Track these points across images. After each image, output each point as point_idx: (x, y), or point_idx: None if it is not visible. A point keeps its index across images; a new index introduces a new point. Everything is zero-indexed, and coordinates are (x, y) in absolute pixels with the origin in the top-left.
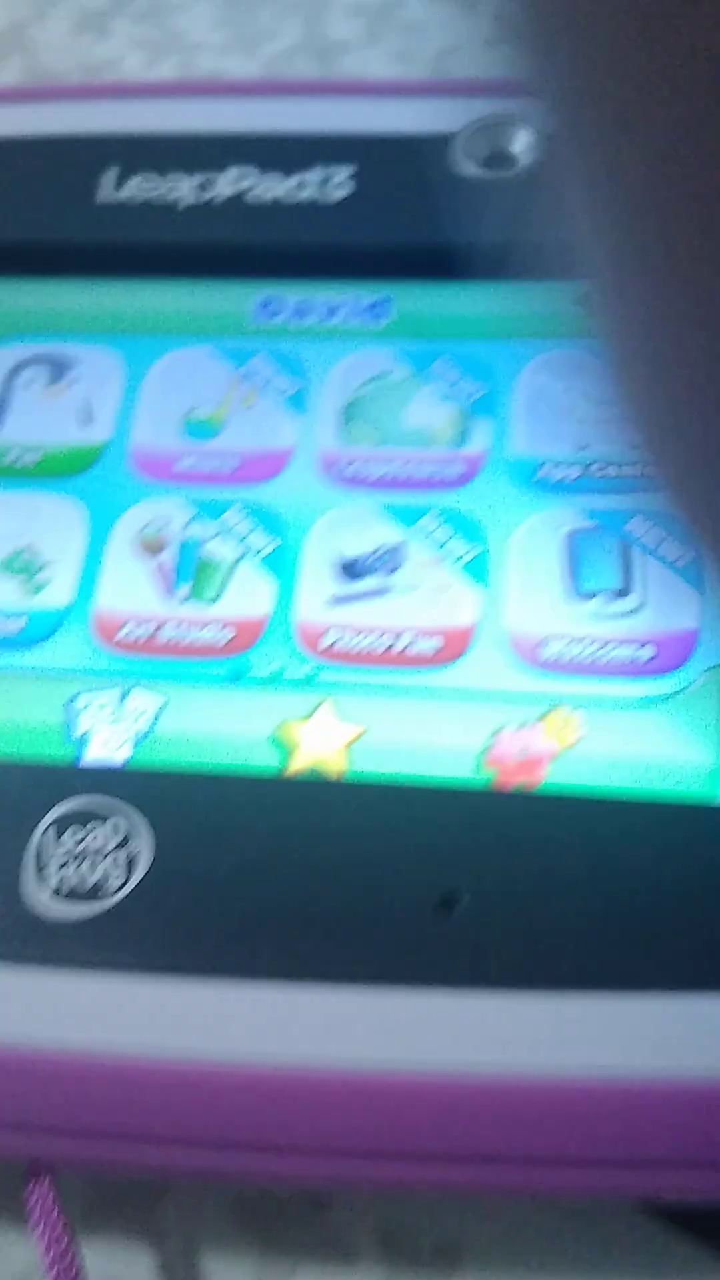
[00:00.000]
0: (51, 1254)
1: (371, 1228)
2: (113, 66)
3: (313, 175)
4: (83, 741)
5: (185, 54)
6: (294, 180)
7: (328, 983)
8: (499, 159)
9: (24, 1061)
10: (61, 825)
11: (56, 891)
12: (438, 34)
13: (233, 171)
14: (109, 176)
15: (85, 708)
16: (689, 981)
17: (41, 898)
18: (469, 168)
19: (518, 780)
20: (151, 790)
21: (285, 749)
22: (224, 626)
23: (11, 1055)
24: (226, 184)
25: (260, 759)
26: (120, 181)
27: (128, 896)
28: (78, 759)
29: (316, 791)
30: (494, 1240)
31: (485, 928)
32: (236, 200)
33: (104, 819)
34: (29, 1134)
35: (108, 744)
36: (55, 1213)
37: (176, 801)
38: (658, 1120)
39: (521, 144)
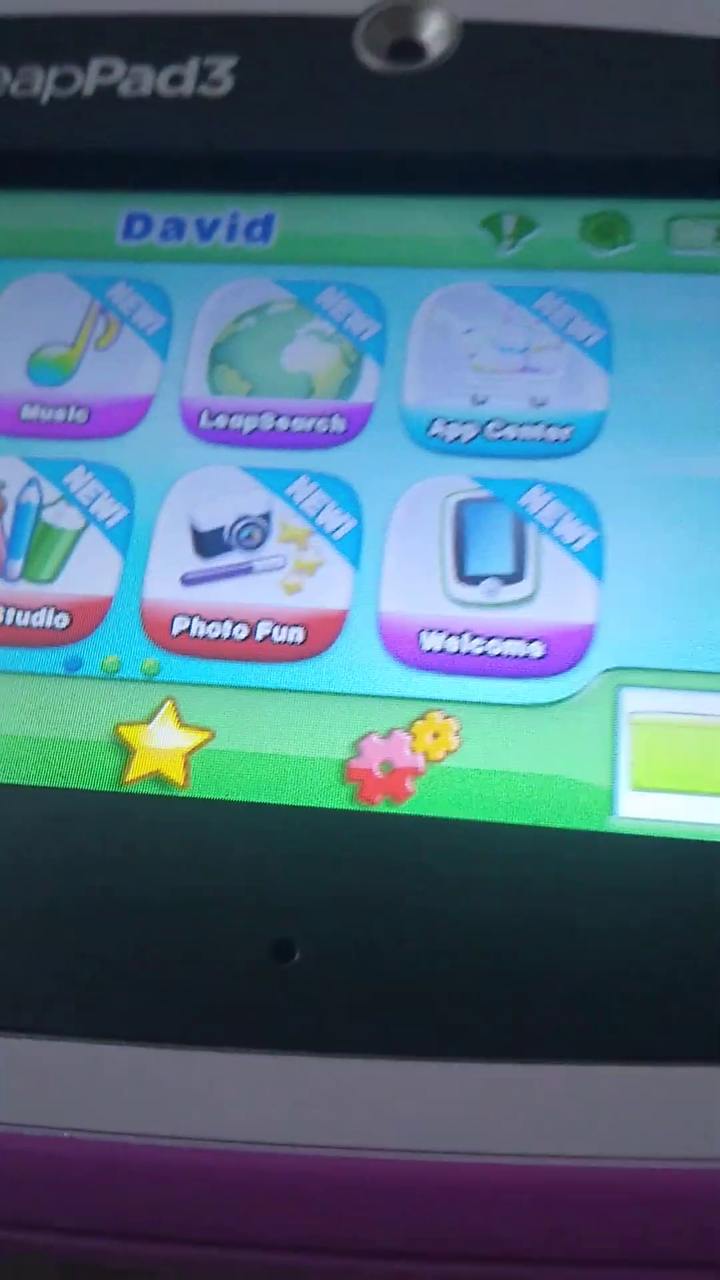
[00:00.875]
0: None
1: None
2: None
3: (189, 68)
4: None
5: None
6: (167, 74)
7: (140, 1043)
8: (406, 49)
9: None
10: None
11: None
12: None
13: (95, 63)
14: None
15: None
16: (570, 1052)
17: None
18: (371, 59)
19: (380, 798)
20: None
21: (123, 754)
22: (59, 610)
23: None
24: (89, 78)
25: (95, 765)
26: None
27: None
28: None
29: (152, 808)
30: None
31: (324, 982)
32: (100, 97)
33: None
34: None
35: None
36: None
37: None
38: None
39: (432, 31)
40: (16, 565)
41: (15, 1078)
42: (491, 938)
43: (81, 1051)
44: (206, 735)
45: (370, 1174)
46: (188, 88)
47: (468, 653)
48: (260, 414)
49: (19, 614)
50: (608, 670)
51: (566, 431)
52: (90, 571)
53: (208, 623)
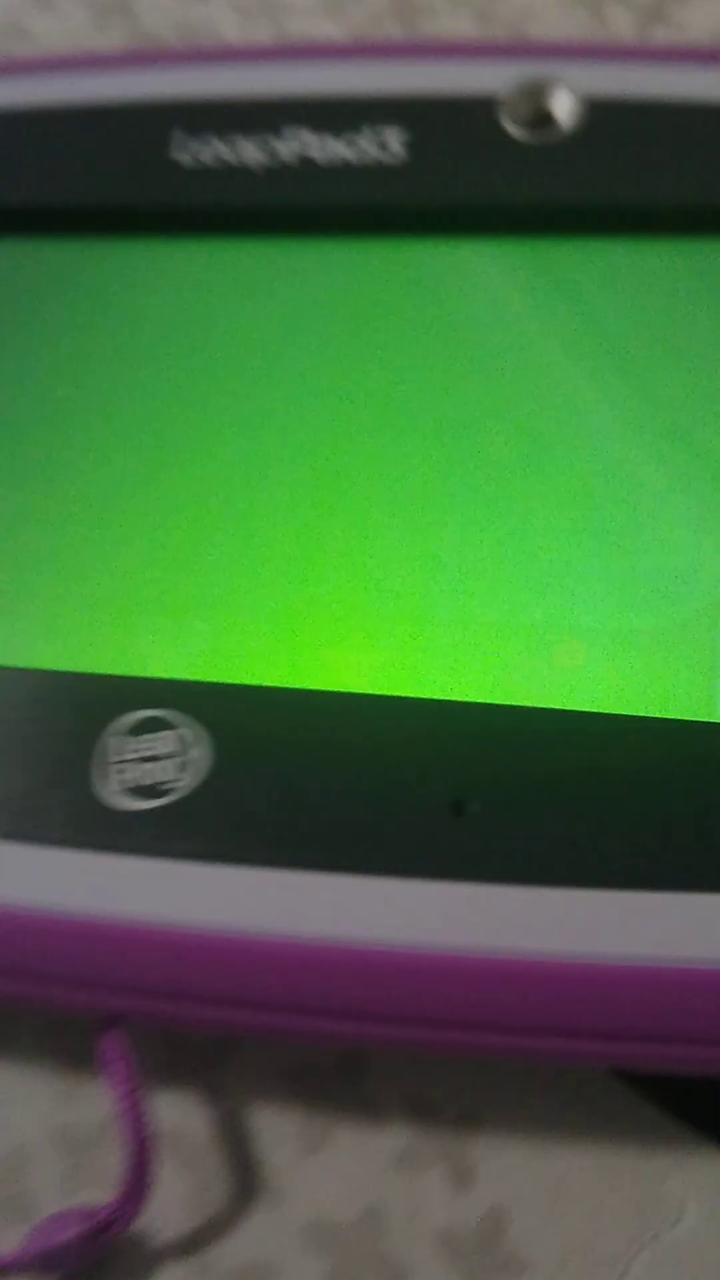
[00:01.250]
0: (123, 1093)
1: (401, 1095)
2: (209, 27)
3: (366, 137)
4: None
5: (276, 16)
6: (347, 142)
7: (355, 872)
8: (542, 121)
9: (97, 929)
10: (132, 730)
11: (125, 789)
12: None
13: (290, 134)
14: (176, 139)
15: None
16: (675, 881)
17: (111, 794)
18: (514, 130)
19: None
20: (207, 702)
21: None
22: None
23: (86, 923)
24: (286, 147)
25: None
26: (187, 143)
27: (187, 795)
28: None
29: (349, 703)
30: (505, 1108)
31: (492, 828)
32: (297, 162)
33: (171, 727)
34: (102, 990)
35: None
36: (127, 1060)
37: (228, 713)
38: (633, 999)
39: (563, 107)
40: None
41: (239, 894)
42: (613, 800)
43: (287, 878)
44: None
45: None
46: (367, 155)
47: None
48: None
49: None
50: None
51: None
52: None
53: None
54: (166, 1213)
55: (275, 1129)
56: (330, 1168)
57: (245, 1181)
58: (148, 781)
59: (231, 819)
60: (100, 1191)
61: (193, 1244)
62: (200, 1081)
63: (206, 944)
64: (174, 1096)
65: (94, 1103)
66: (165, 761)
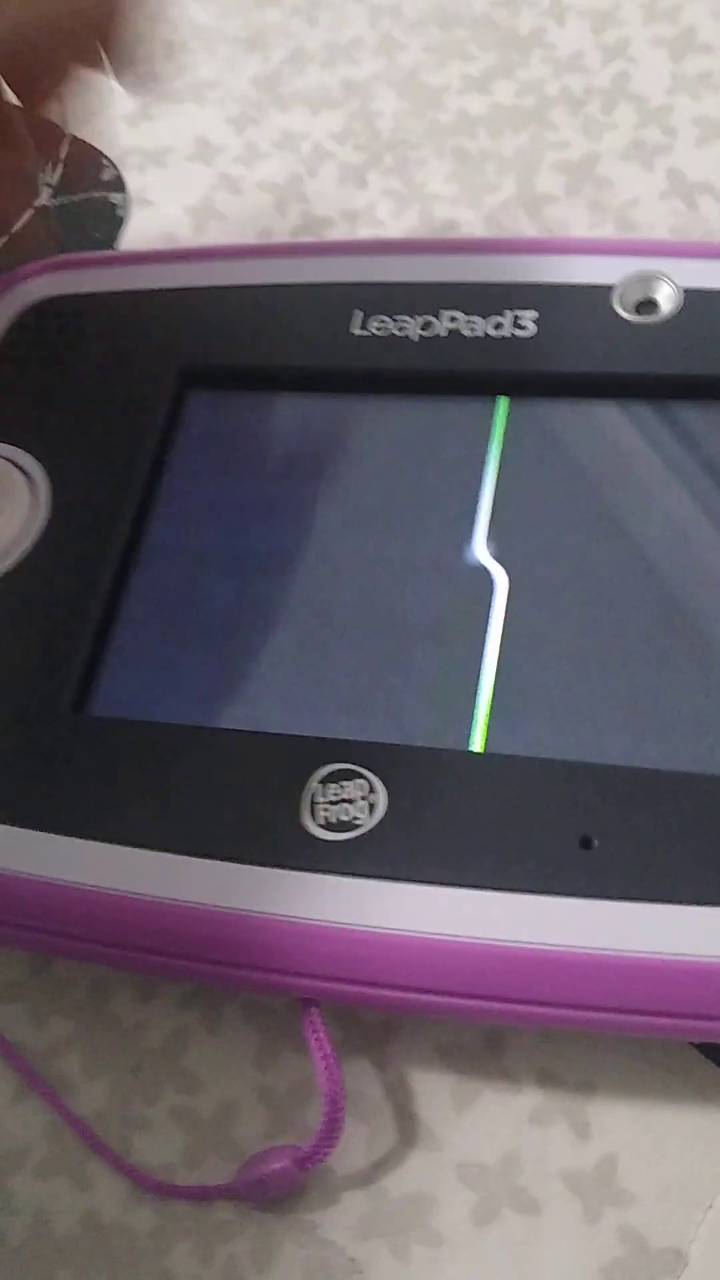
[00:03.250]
0: (321, 1056)
1: (533, 1068)
2: (368, 212)
3: (506, 318)
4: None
5: (424, 203)
6: (492, 321)
7: (496, 889)
8: (648, 306)
9: (299, 930)
10: (330, 779)
11: (324, 824)
12: (623, 188)
13: (446, 314)
14: (357, 316)
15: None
16: None
17: (316, 827)
18: (623, 312)
19: None
20: (386, 758)
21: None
22: None
23: (291, 926)
24: (442, 323)
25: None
26: (365, 321)
27: (370, 830)
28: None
29: (494, 760)
30: (615, 1077)
31: (610, 860)
32: (450, 335)
33: (359, 777)
34: (302, 978)
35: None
36: (323, 1030)
37: (402, 767)
38: (710, 987)
39: (664, 295)
40: None
41: (411, 906)
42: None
43: (447, 894)
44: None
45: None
46: (506, 331)
47: None
48: None
49: None
50: None
51: None
52: None
53: None
54: (349, 1156)
55: (432, 1093)
56: (477, 1123)
57: (409, 1132)
58: (343, 818)
59: (401, 849)
60: (295, 1136)
61: (369, 1179)
62: (369, 1057)
63: (385, 943)
64: (349, 1067)
65: (288, 1069)
66: (355, 803)
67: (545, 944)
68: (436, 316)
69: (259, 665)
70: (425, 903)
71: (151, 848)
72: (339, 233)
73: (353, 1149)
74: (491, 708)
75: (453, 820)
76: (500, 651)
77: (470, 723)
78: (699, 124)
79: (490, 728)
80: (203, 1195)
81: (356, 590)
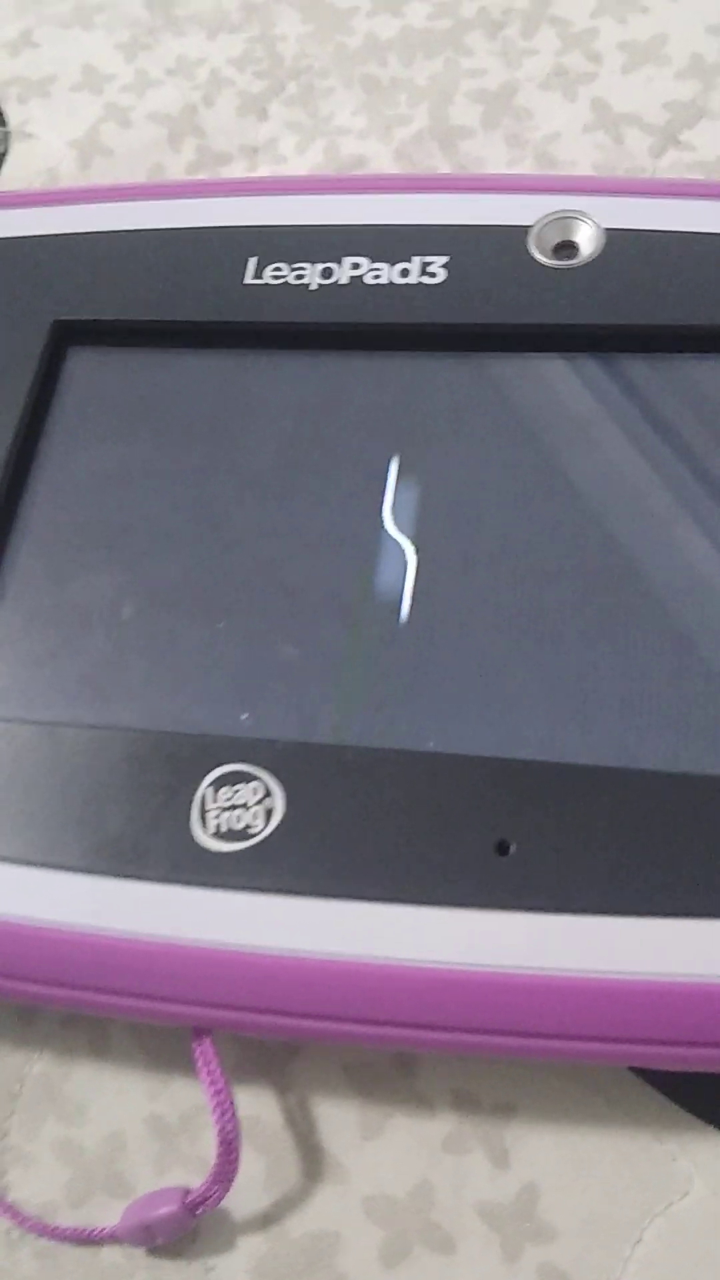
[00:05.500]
0: (215, 1093)
1: (447, 1089)
2: (270, 147)
3: (414, 264)
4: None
5: (331, 137)
6: (399, 268)
7: (408, 903)
8: (566, 249)
9: (189, 954)
10: (221, 782)
11: (215, 834)
12: (544, 120)
13: (348, 260)
14: (251, 264)
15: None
16: (684, 909)
17: (207, 838)
18: (540, 256)
19: None
20: (284, 757)
21: None
22: None
23: (180, 949)
24: (344, 270)
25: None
26: (260, 269)
27: (266, 838)
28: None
29: (401, 757)
30: (536, 1100)
31: (530, 866)
32: (352, 283)
33: (254, 779)
34: (196, 1005)
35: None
36: (216, 1064)
37: (301, 767)
38: (647, 1008)
39: (584, 236)
40: None
41: (312, 922)
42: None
43: (349, 908)
44: None
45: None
46: (414, 278)
47: None
48: None
49: None
50: None
51: None
52: None
53: None
54: (245, 1190)
55: (338, 1118)
56: (386, 1151)
57: (312, 1162)
58: (236, 826)
59: (302, 859)
60: (187, 1171)
61: (268, 1216)
62: (270, 1078)
63: (283, 966)
64: (248, 1090)
65: (179, 1096)
66: (250, 809)
67: (460, 963)
68: (338, 263)
69: (145, 655)
70: (327, 919)
71: (22, 863)
72: (238, 170)
73: (250, 1183)
74: (400, 698)
75: (357, 825)
76: (409, 636)
77: (376, 716)
78: (625, 49)
79: (398, 721)
80: (85, 1239)
81: (252, 569)
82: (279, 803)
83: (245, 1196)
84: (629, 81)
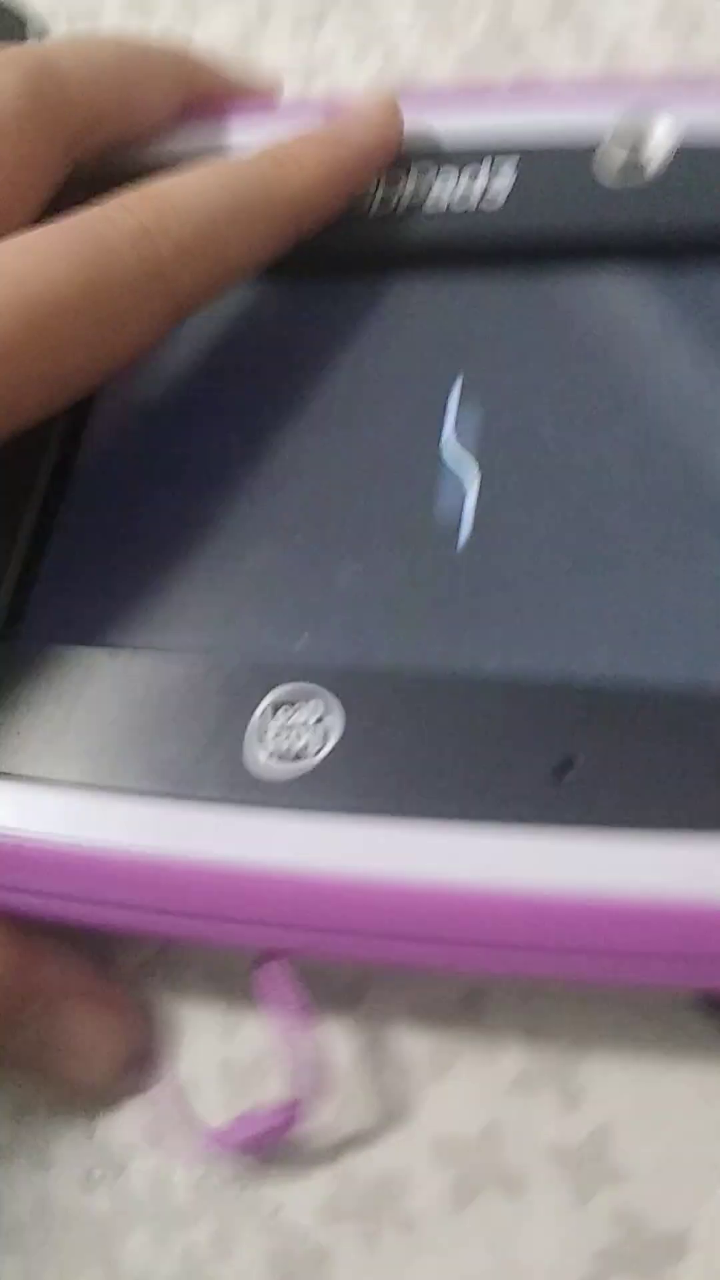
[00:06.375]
0: (290, 1011)
1: (517, 1026)
2: (328, 62)
3: (477, 180)
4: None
5: (388, 45)
6: (459, 187)
7: (469, 821)
8: (635, 160)
9: (250, 877)
10: (279, 703)
11: (273, 754)
12: (610, 17)
13: (406, 180)
14: None
15: None
16: None
17: (263, 759)
18: (605, 177)
19: None
20: (343, 679)
21: None
22: None
23: (240, 872)
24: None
25: None
26: None
27: (324, 759)
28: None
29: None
30: (614, 1038)
31: (596, 785)
32: (412, 206)
33: (311, 699)
34: (256, 927)
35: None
36: (289, 982)
37: (361, 689)
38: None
39: (655, 146)
40: None
41: (370, 842)
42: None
43: (409, 827)
44: None
45: None
46: (475, 197)
47: None
48: None
49: None
50: None
51: None
52: None
53: None
54: (314, 1131)
55: (406, 1059)
56: (455, 1091)
57: (380, 1103)
58: (294, 746)
59: (361, 779)
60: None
61: (336, 1157)
62: (337, 1020)
63: (345, 887)
64: (318, 1030)
65: (252, 1039)
66: (308, 729)
67: (525, 882)
68: (395, 184)
69: (204, 579)
70: (388, 839)
71: (82, 787)
72: (293, 89)
73: (319, 1123)
74: (461, 620)
75: (417, 746)
76: (470, 557)
77: (436, 637)
78: None
79: (459, 642)
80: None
81: (313, 494)
82: (337, 723)
83: (313, 1136)
84: None
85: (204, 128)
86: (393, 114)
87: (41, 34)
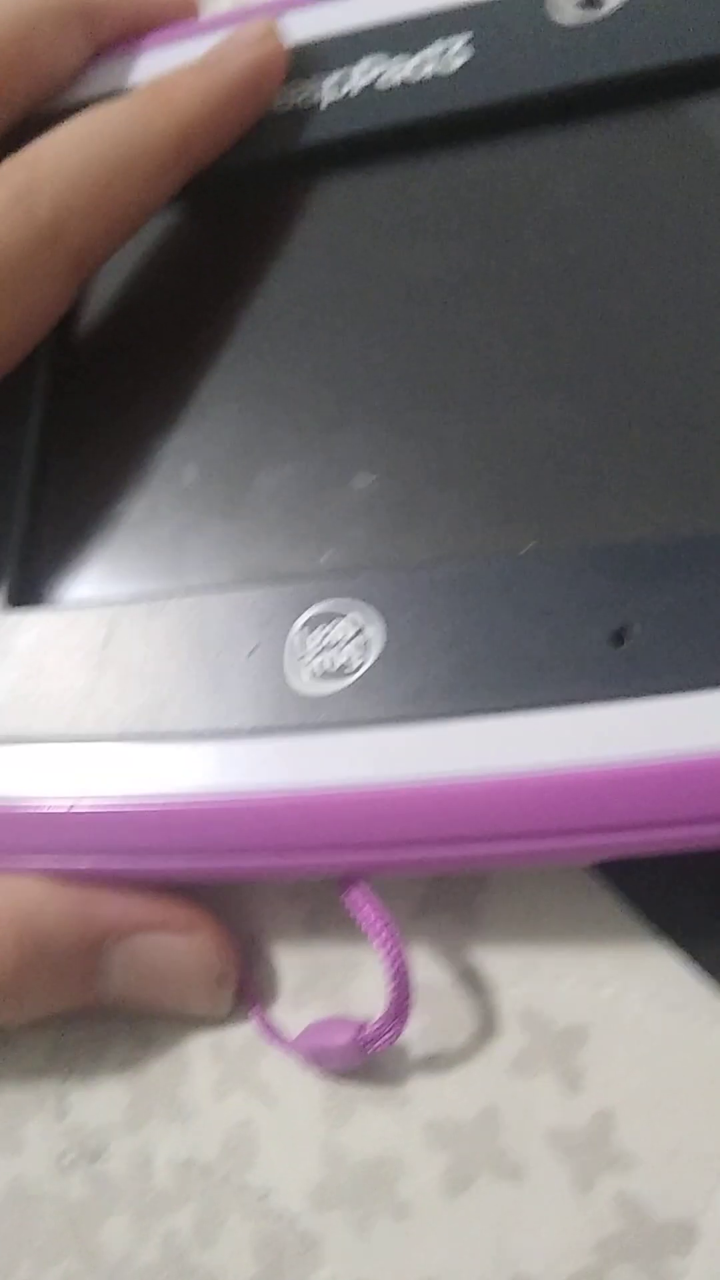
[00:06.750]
0: (380, 932)
1: (516, 1005)
2: None
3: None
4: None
5: None
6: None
7: (529, 709)
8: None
9: (319, 800)
10: (311, 623)
11: (315, 675)
12: None
13: (361, 64)
14: None
15: None
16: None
17: (305, 682)
18: (561, 16)
19: None
20: (373, 587)
21: None
22: None
23: (308, 798)
24: (356, 79)
25: None
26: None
27: (369, 670)
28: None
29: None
30: (616, 1016)
31: (653, 650)
32: (365, 90)
33: (345, 614)
34: (337, 851)
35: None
36: (375, 905)
37: (398, 590)
38: None
39: None
40: None
41: (431, 747)
42: None
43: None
44: None
45: None
46: (429, 70)
47: None
48: None
49: None
50: None
51: None
52: None
53: None
54: (303, 1113)
55: (398, 1041)
56: (449, 1073)
57: (371, 1084)
58: (334, 666)
59: (410, 684)
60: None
61: (326, 1141)
62: (334, 1000)
63: (409, 795)
64: (306, 1011)
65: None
66: (346, 645)
67: (594, 760)
68: (348, 73)
69: (212, 515)
70: (448, 740)
71: (134, 738)
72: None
73: (308, 1105)
74: (487, 506)
75: (463, 641)
76: (484, 443)
77: (464, 527)
78: None
79: (488, 528)
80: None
81: (302, 405)
82: (376, 633)
83: (302, 1118)
84: None
85: (118, 66)
86: (270, 33)
87: None
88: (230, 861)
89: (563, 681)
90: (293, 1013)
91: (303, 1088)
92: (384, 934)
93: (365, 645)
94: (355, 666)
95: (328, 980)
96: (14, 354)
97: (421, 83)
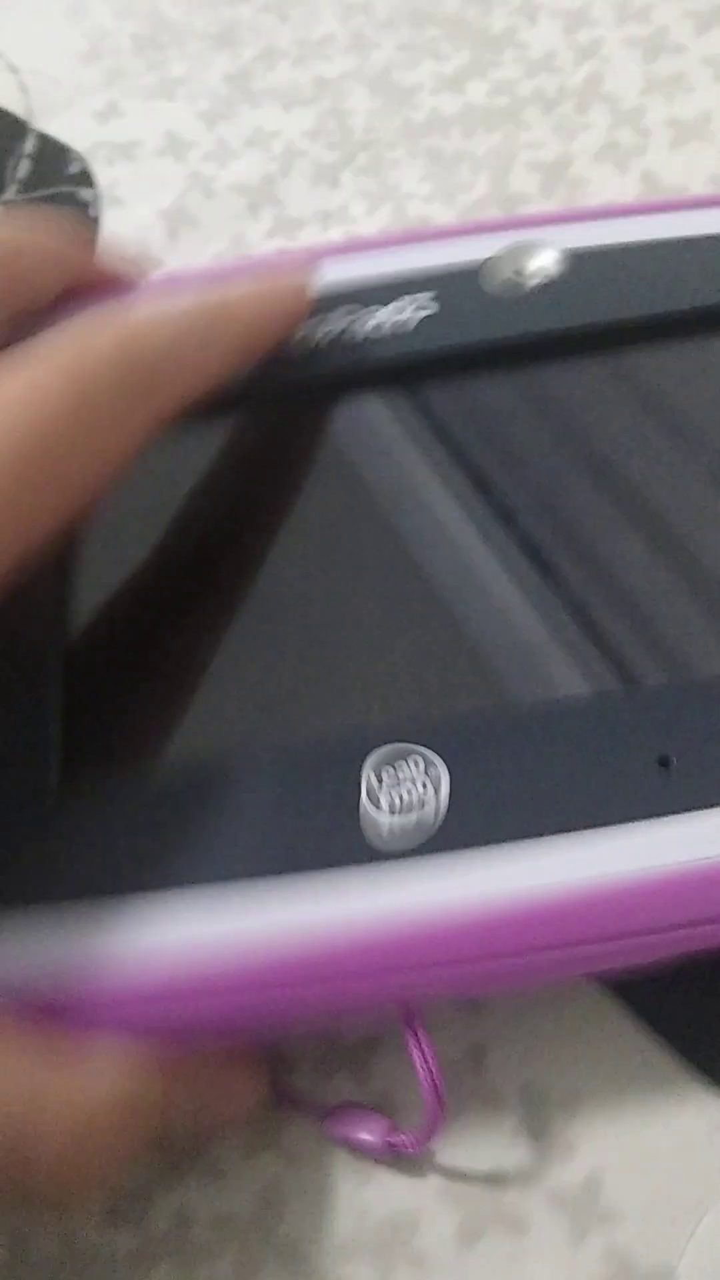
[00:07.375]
0: (426, 1072)
1: (516, 1081)
2: (342, 213)
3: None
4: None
5: (398, 202)
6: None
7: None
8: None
9: (396, 932)
10: (382, 763)
11: (389, 809)
12: (597, 189)
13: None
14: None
15: None
16: None
17: (382, 818)
18: (491, 288)
19: None
20: (442, 730)
21: None
22: None
23: (383, 929)
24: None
25: None
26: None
27: (438, 804)
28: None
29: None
30: (602, 1092)
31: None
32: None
33: (411, 754)
34: (431, 971)
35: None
36: (426, 1046)
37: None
38: None
39: (535, 266)
40: None
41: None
42: None
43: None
44: None
45: None
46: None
47: None
48: None
49: None
50: None
51: None
52: None
53: None
54: (332, 1173)
55: (415, 1110)
56: (460, 1140)
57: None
58: (406, 800)
59: (475, 813)
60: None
61: (351, 1197)
62: (351, 1069)
63: (479, 916)
64: (330, 1083)
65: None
66: (414, 783)
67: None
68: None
69: (258, 680)
70: (518, 861)
71: (224, 881)
72: (312, 234)
73: (337, 1165)
74: (538, 650)
75: (526, 775)
76: (528, 596)
77: (520, 671)
78: (672, 126)
79: (543, 671)
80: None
81: (335, 584)
82: (440, 772)
83: (331, 1177)
84: (676, 155)
85: (64, 316)
86: (302, 290)
87: (82, 170)
88: (332, 994)
89: (616, 802)
90: (320, 1082)
91: (327, 1150)
92: (428, 1068)
93: (430, 783)
94: (424, 800)
95: (351, 1051)
96: (97, 494)
97: (382, 334)
